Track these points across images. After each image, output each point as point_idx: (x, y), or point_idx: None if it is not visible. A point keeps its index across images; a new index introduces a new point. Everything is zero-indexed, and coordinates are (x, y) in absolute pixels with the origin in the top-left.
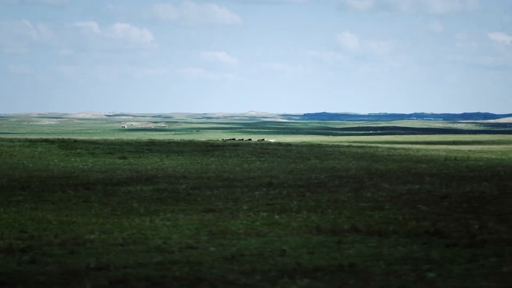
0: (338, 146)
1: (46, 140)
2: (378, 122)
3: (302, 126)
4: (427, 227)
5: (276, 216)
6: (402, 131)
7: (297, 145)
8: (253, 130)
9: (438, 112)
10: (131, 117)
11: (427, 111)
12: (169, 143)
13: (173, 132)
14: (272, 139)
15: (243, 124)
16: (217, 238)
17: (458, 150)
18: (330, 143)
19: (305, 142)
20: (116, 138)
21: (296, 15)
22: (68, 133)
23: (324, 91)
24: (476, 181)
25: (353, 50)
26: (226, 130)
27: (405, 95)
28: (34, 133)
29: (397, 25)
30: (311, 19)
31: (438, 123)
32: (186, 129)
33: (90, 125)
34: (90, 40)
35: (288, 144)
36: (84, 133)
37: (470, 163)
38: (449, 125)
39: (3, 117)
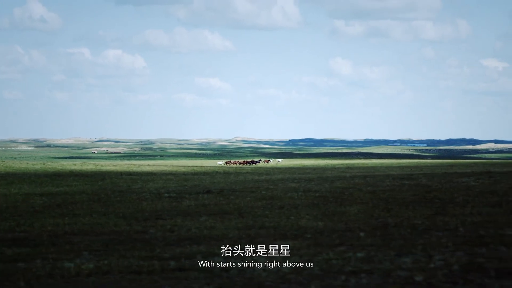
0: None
1: None
2: (352, 147)
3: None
4: None
5: None
6: (361, 156)
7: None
8: (212, 155)
9: (424, 138)
10: (113, 142)
11: (417, 137)
12: None
13: (141, 158)
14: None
15: (210, 149)
16: None
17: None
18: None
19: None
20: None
21: (287, 41)
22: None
23: (317, 116)
24: None
25: (347, 76)
26: (188, 157)
27: (396, 121)
28: None
29: (389, 51)
30: (304, 45)
31: (411, 149)
32: (153, 155)
33: (61, 151)
34: (83, 66)
35: None
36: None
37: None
38: (418, 152)
39: None
